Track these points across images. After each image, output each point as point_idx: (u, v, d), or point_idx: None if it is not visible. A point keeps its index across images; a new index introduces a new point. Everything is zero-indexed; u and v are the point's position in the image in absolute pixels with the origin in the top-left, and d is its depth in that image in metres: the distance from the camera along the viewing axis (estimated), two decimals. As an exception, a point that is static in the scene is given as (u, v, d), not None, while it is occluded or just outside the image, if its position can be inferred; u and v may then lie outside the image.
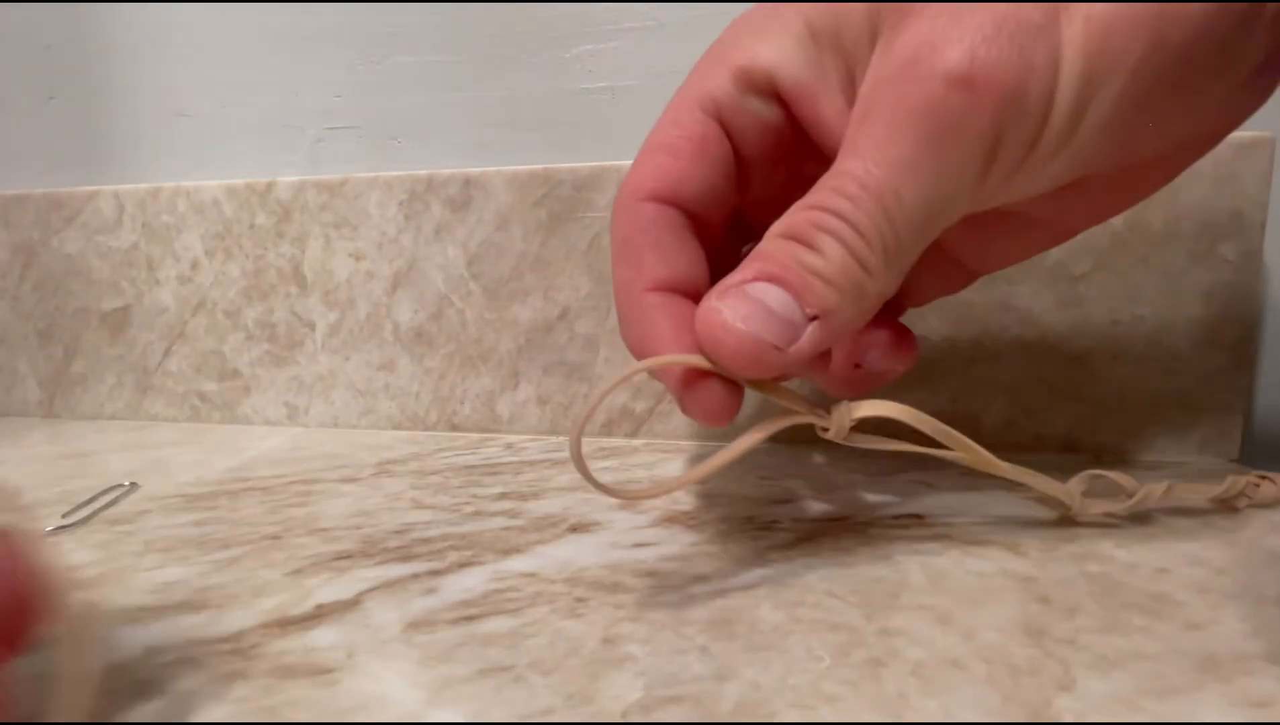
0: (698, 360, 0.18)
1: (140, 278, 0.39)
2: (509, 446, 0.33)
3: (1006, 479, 0.21)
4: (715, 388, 0.18)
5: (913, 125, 0.17)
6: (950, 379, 0.31)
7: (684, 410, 0.19)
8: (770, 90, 0.20)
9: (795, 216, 0.18)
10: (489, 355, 0.35)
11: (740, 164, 0.21)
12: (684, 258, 0.20)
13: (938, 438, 0.20)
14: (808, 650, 0.16)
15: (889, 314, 0.23)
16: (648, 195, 0.20)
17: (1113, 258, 0.29)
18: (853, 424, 0.19)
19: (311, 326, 0.37)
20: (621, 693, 0.14)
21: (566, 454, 0.32)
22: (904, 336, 0.22)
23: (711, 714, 0.14)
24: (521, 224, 0.34)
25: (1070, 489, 0.22)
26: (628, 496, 0.17)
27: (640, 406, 0.34)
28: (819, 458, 0.30)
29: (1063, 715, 0.13)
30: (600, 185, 0.33)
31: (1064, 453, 0.30)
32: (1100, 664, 0.15)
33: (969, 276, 0.23)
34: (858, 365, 0.22)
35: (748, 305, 0.17)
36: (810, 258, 0.17)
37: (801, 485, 0.27)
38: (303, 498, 0.27)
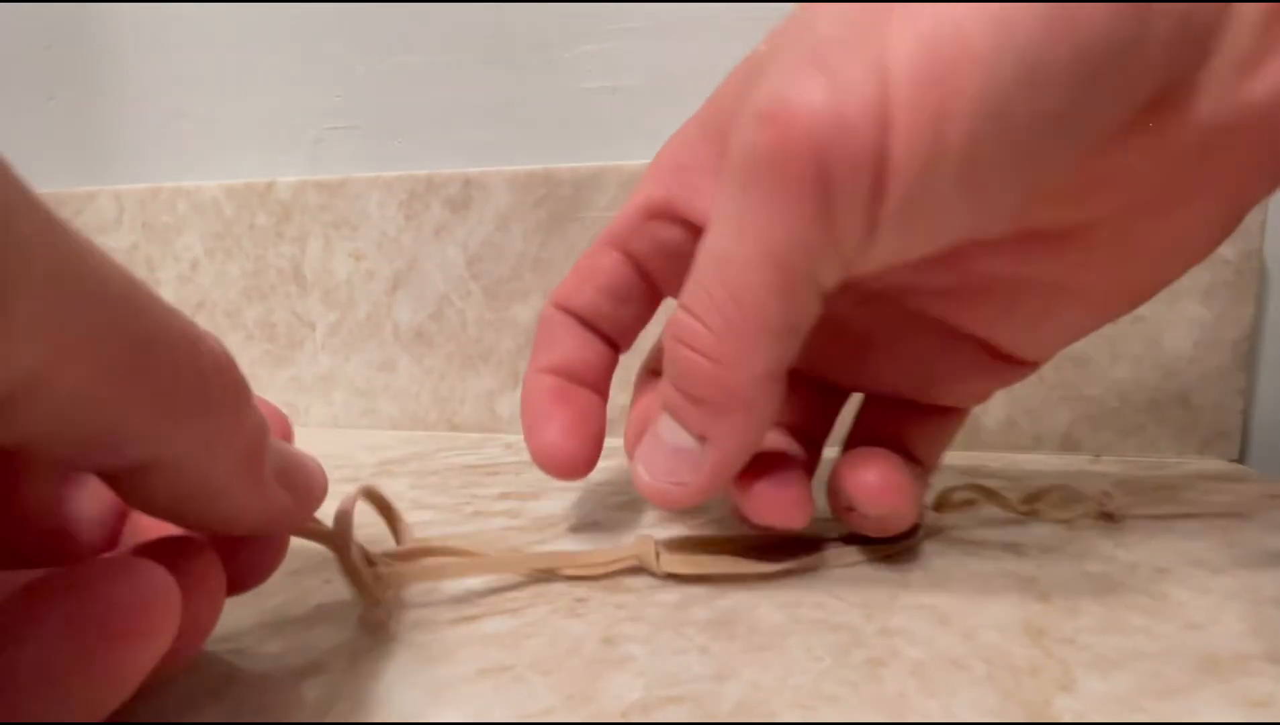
0: None
1: (140, 278, 0.39)
2: (509, 446, 0.33)
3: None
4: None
5: (731, 177, 0.15)
6: (950, 379, 0.31)
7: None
8: (666, 214, 0.20)
9: (668, 327, 0.17)
10: (489, 355, 0.35)
11: (658, 273, 0.21)
12: (569, 348, 0.22)
13: (737, 571, 0.19)
14: (808, 650, 0.16)
15: (892, 440, 0.20)
16: (554, 302, 0.22)
17: (1113, 258, 0.29)
18: (663, 573, 0.19)
19: (311, 326, 0.37)
20: (621, 693, 0.14)
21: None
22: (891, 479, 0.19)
23: (711, 714, 0.14)
24: (521, 224, 0.34)
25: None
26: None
27: (640, 406, 0.34)
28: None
29: (1063, 715, 0.13)
30: (600, 185, 0.33)
31: (1064, 453, 0.30)
32: (1100, 664, 0.15)
33: (1016, 363, 0.20)
34: (850, 508, 0.19)
35: (649, 448, 0.18)
36: (658, 372, 0.17)
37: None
38: (303, 498, 0.27)
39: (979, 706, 0.14)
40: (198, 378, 0.11)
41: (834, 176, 0.14)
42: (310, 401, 0.38)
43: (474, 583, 0.19)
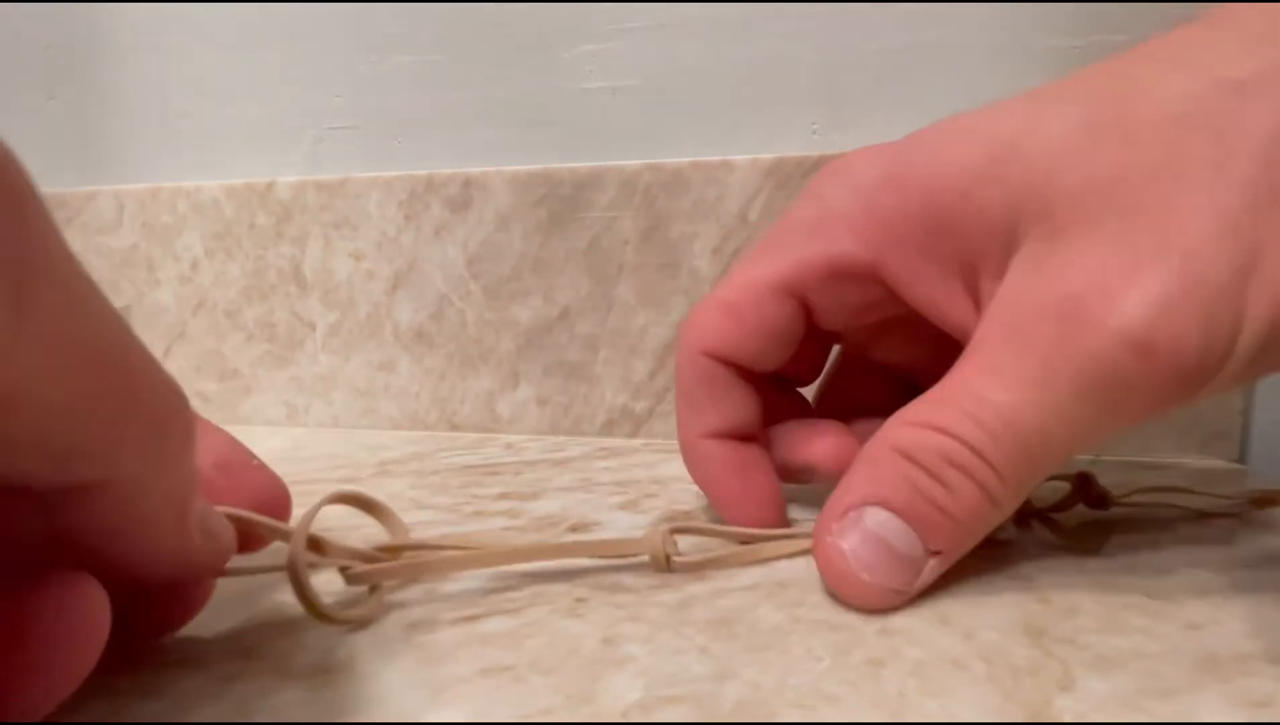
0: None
1: (140, 278, 0.39)
2: (509, 446, 0.33)
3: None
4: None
5: (1073, 374, 0.15)
6: (950, 379, 0.31)
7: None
8: (867, 277, 0.20)
9: (916, 435, 0.17)
10: (489, 355, 0.35)
11: (814, 322, 0.21)
12: (735, 406, 0.21)
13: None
14: (808, 650, 0.16)
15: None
16: (706, 350, 0.21)
17: (1113, 258, 0.29)
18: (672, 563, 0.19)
19: (311, 326, 0.37)
20: (621, 693, 0.14)
21: (567, 454, 0.32)
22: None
23: (711, 714, 0.14)
24: (521, 224, 0.34)
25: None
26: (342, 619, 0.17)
27: (640, 406, 0.34)
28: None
29: (1063, 715, 0.13)
30: (600, 185, 0.33)
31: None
32: (1100, 664, 0.15)
33: None
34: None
35: (870, 547, 0.17)
36: (938, 494, 0.17)
37: (801, 485, 0.27)
38: (303, 498, 0.27)
39: (979, 706, 0.14)
40: (161, 406, 0.12)
41: (1167, 402, 0.15)
42: (310, 401, 0.38)
43: (474, 583, 0.19)
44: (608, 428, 0.34)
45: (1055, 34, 0.30)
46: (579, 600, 0.18)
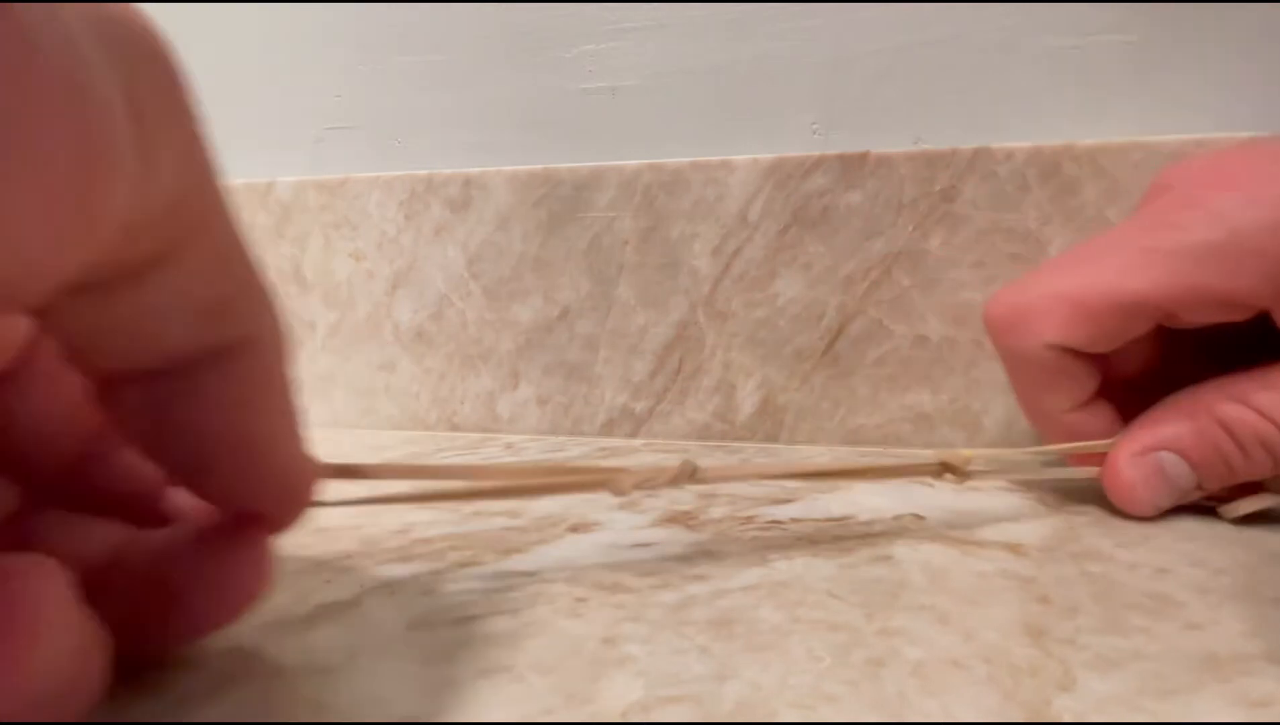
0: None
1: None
2: (509, 446, 0.33)
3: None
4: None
5: None
6: (950, 379, 0.31)
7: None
8: (1249, 309, 0.21)
9: (1239, 413, 0.21)
10: (489, 355, 0.35)
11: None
12: (1086, 383, 0.23)
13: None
14: (808, 650, 0.16)
15: None
16: (1051, 343, 0.23)
17: (1113, 258, 0.29)
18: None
19: (312, 326, 0.37)
20: (621, 693, 0.14)
21: (567, 454, 0.32)
22: None
23: (711, 714, 0.14)
24: (521, 224, 0.34)
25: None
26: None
27: (640, 406, 0.34)
28: (820, 459, 0.30)
29: (1063, 715, 0.13)
30: (600, 185, 0.33)
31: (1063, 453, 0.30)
32: (1100, 664, 0.15)
33: None
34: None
35: (1157, 478, 0.22)
36: (1237, 461, 0.21)
37: (802, 485, 0.27)
38: (303, 498, 0.27)
39: (979, 706, 0.14)
40: (265, 274, 0.12)
41: None
42: (310, 401, 0.38)
43: (474, 582, 0.19)
44: (608, 428, 0.34)
45: (1055, 34, 0.30)
46: (579, 600, 0.18)
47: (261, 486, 0.14)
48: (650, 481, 0.19)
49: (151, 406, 0.12)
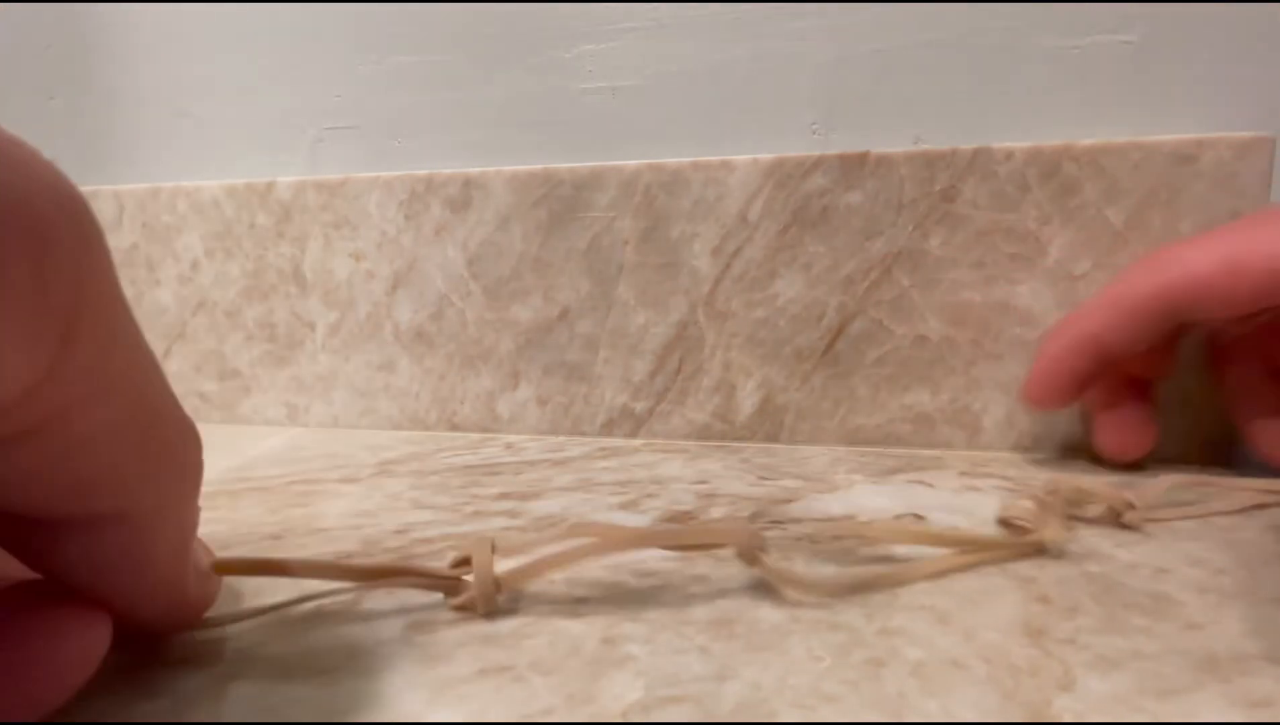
0: None
1: (140, 278, 0.39)
2: (509, 446, 0.33)
3: None
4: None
5: None
6: (950, 379, 0.31)
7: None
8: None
9: None
10: (489, 355, 0.35)
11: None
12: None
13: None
14: (808, 650, 0.16)
15: None
16: (1094, 340, 0.26)
17: (1112, 257, 0.29)
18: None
19: (311, 326, 0.37)
20: (621, 693, 0.14)
21: (567, 454, 0.32)
22: None
23: (711, 714, 0.14)
24: (521, 224, 0.34)
25: None
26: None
27: (640, 406, 0.34)
28: (820, 459, 0.30)
29: (1063, 715, 0.13)
30: (600, 185, 0.33)
31: (1064, 453, 0.30)
32: (1100, 664, 0.15)
33: None
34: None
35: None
36: None
37: (802, 485, 0.27)
38: (303, 498, 0.27)
39: (979, 706, 0.14)
40: (181, 444, 0.12)
41: None
42: (310, 401, 0.38)
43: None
44: (608, 428, 0.34)
45: (1055, 34, 0.30)
46: (579, 600, 0.18)
47: (134, 620, 0.14)
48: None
49: (22, 544, 0.12)
